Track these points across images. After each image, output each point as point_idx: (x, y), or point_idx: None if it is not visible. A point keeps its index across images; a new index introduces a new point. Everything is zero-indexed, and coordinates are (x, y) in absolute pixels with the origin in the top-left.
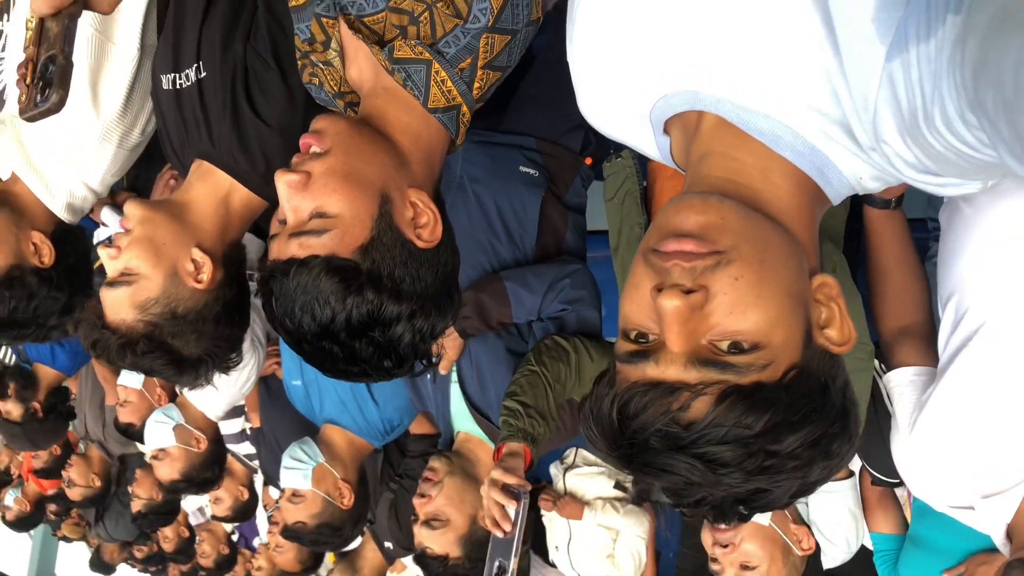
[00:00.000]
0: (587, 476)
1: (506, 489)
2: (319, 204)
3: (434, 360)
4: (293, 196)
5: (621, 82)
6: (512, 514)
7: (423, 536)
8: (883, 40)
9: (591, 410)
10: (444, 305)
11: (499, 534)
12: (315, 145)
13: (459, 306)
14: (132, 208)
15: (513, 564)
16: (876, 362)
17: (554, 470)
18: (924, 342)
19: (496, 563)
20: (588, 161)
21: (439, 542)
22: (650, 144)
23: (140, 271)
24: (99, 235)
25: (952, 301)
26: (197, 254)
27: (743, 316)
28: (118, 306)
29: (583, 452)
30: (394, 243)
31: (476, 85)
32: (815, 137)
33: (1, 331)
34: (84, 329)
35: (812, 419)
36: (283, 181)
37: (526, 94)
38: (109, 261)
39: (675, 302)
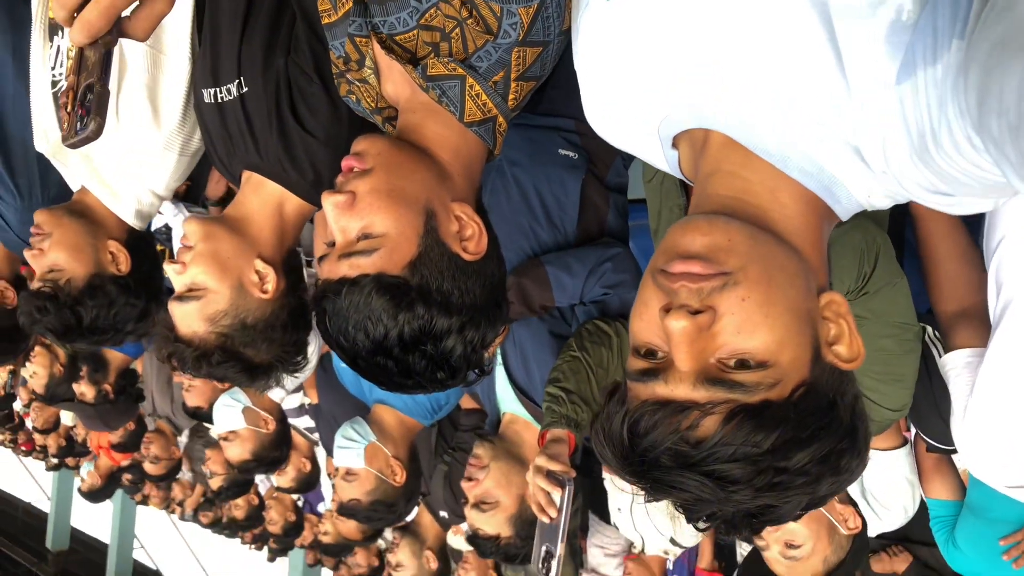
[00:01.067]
0: None
1: (551, 476)
2: (366, 223)
3: (486, 368)
4: (340, 217)
5: (628, 96)
6: (557, 501)
7: (474, 518)
8: (892, 63)
9: (602, 427)
10: (493, 315)
11: (545, 520)
12: (356, 166)
13: (508, 314)
14: (191, 226)
15: (560, 549)
16: (930, 330)
17: None
18: (980, 323)
19: (543, 548)
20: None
21: (490, 523)
22: (659, 157)
23: (207, 285)
24: (154, 223)
25: (992, 274)
26: (260, 265)
27: (751, 336)
28: (189, 319)
29: None
30: (441, 257)
31: (511, 96)
32: (824, 158)
33: (83, 337)
34: (157, 342)
35: (821, 436)
36: (330, 202)
37: (563, 75)
38: (176, 276)
39: (682, 323)
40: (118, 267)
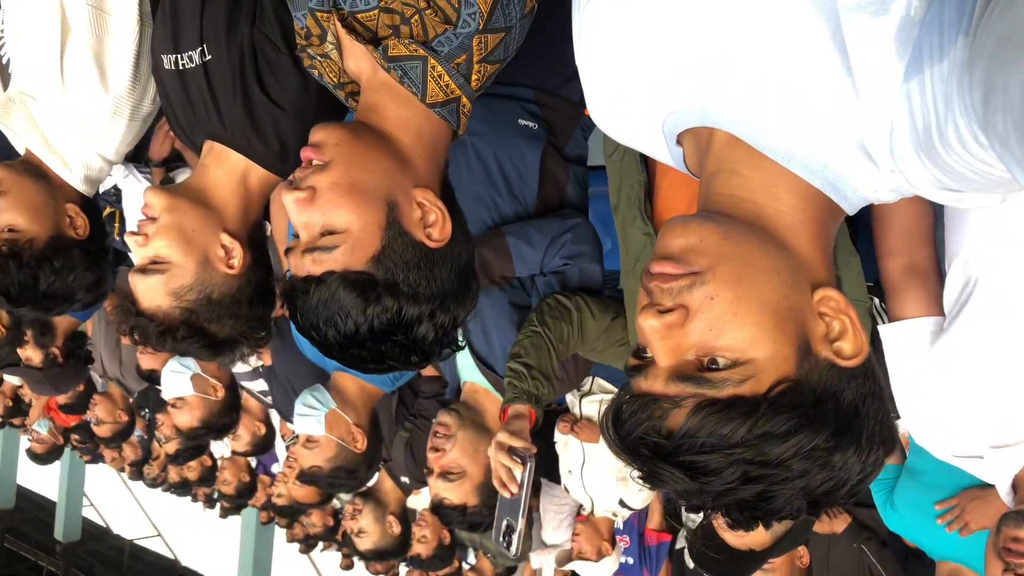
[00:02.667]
0: (603, 403)
1: (512, 452)
2: (327, 219)
3: (460, 345)
4: (301, 213)
5: (633, 91)
6: (519, 477)
7: (440, 488)
8: (900, 60)
9: (602, 416)
10: (463, 296)
11: (507, 495)
12: (315, 158)
13: (477, 293)
14: (154, 196)
15: (521, 524)
16: (876, 301)
17: (570, 396)
18: (931, 283)
19: (504, 522)
20: (588, 111)
21: (456, 493)
22: (663, 152)
23: (172, 259)
24: (102, 185)
25: (959, 260)
26: (226, 239)
27: (721, 333)
28: (152, 293)
29: (599, 380)
30: (405, 248)
31: (474, 78)
32: (829, 155)
33: (34, 303)
34: (119, 315)
35: (800, 431)
36: (290, 199)
37: (523, 46)
38: (137, 248)
39: (649, 321)
40: (76, 232)
